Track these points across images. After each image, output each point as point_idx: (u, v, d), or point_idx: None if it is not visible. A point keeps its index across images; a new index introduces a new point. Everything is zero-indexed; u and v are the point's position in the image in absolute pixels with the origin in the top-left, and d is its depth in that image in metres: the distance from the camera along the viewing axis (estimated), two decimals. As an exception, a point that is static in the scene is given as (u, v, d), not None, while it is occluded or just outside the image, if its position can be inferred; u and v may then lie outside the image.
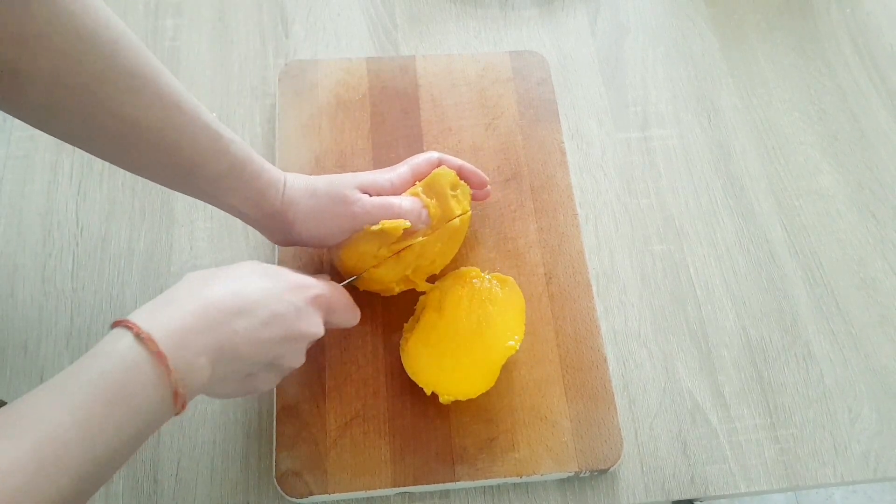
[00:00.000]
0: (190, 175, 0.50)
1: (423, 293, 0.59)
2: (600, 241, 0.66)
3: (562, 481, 0.56)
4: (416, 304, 0.59)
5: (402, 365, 0.56)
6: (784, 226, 0.68)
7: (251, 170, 0.52)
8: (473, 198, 0.62)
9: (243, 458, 0.55)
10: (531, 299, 0.60)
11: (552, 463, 0.55)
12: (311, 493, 0.53)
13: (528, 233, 0.63)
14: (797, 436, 0.59)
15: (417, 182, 0.58)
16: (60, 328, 0.59)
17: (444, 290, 0.58)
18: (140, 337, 0.39)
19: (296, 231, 0.54)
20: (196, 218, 0.64)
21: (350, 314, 0.53)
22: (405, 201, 0.56)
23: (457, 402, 0.54)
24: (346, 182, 0.55)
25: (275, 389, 0.56)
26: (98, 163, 0.65)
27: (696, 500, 0.58)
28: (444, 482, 0.54)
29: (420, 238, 0.56)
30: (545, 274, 0.62)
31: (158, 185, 0.60)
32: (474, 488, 0.56)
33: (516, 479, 0.55)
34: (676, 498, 0.56)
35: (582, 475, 0.55)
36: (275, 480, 0.53)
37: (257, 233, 0.63)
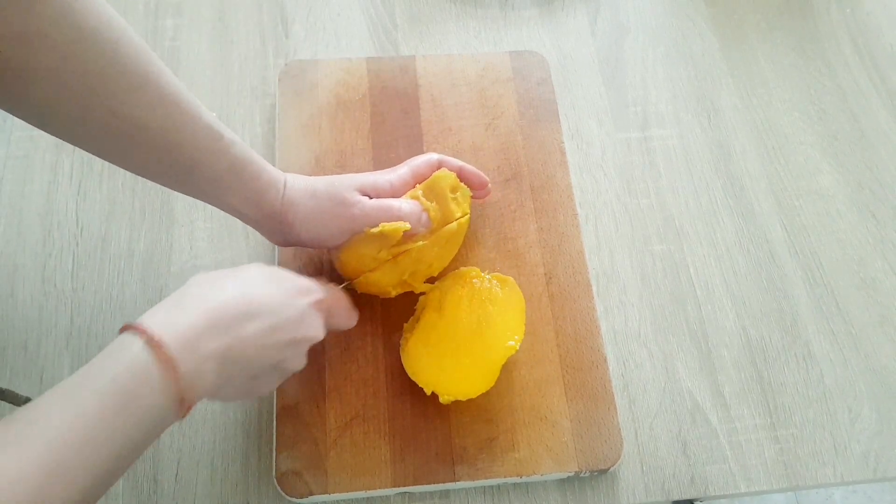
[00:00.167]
0: (190, 175, 0.50)
1: (423, 293, 0.59)
2: (600, 241, 0.66)
3: (562, 481, 0.56)
4: (415, 305, 0.59)
5: (402, 365, 0.56)
6: (784, 226, 0.68)
7: (251, 170, 0.52)
8: (474, 197, 0.62)
9: (243, 458, 0.55)
10: (531, 299, 0.60)
11: (552, 463, 0.55)
12: (311, 493, 0.53)
13: (528, 233, 0.63)
14: (797, 436, 0.59)
15: (417, 184, 0.58)
16: (60, 328, 0.59)
17: (444, 290, 0.58)
18: (151, 343, 0.39)
19: (295, 232, 0.54)
20: (196, 218, 0.64)
21: (348, 317, 0.54)
22: (405, 204, 0.56)
23: (457, 402, 0.54)
24: (346, 184, 0.55)
25: (275, 389, 0.56)
26: (98, 163, 0.65)
27: (696, 500, 0.58)
28: (444, 482, 0.54)
29: (420, 242, 0.56)
30: (545, 274, 0.62)
31: (158, 185, 0.60)
32: (474, 488, 0.56)
33: (516, 479, 0.55)
34: (676, 498, 0.56)
35: (582, 475, 0.55)
36: (275, 480, 0.53)
37: (257, 233, 0.63)
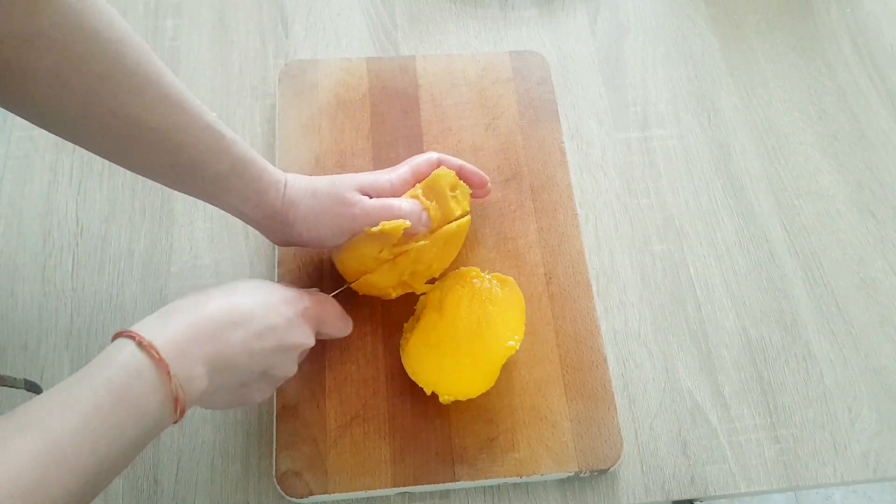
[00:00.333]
0: (192, 175, 0.50)
1: (423, 294, 0.59)
2: (600, 241, 0.66)
3: (562, 481, 0.56)
4: (416, 305, 0.59)
5: (402, 365, 0.56)
6: (784, 226, 0.68)
7: (252, 170, 0.52)
8: (473, 196, 0.62)
9: (243, 458, 0.55)
10: (531, 299, 0.60)
11: (552, 463, 0.55)
12: (311, 493, 0.53)
13: (528, 233, 0.63)
14: (797, 436, 0.59)
15: (417, 183, 0.58)
16: (60, 328, 0.59)
17: (444, 290, 0.58)
18: (142, 345, 0.40)
19: (296, 231, 0.54)
20: (196, 218, 0.64)
21: (341, 324, 0.54)
22: (405, 203, 0.56)
23: (457, 402, 0.54)
24: (347, 183, 0.55)
25: (267, 397, 0.56)
26: (98, 163, 0.65)
27: (696, 500, 0.58)
28: (444, 482, 0.54)
29: (421, 242, 0.56)
30: (545, 274, 0.62)
31: (158, 185, 0.60)
32: (474, 488, 0.56)
33: (516, 479, 0.55)
34: (676, 498, 0.56)
35: (582, 475, 0.55)
36: (275, 480, 0.53)
37: (257, 233, 0.63)
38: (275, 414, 0.55)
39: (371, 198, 0.56)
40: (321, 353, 0.57)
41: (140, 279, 0.61)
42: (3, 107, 0.46)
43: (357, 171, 0.59)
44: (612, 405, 0.57)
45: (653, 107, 0.73)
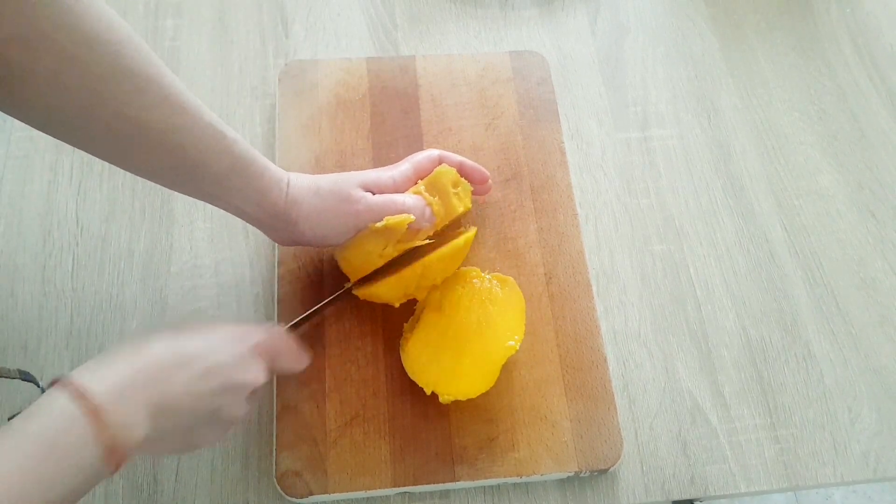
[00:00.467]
0: (193, 175, 0.50)
1: None
2: (600, 241, 0.66)
3: (562, 481, 0.56)
4: (416, 305, 0.59)
5: (402, 365, 0.56)
6: (784, 226, 0.68)
7: (254, 169, 0.52)
8: (474, 193, 0.62)
9: (243, 458, 0.55)
10: (531, 299, 0.60)
11: (552, 463, 0.55)
12: (311, 493, 0.53)
13: (528, 233, 0.63)
14: (797, 436, 0.59)
15: (419, 180, 0.58)
16: (60, 328, 0.59)
17: (444, 290, 0.58)
18: (76, 394, 0.38)
19: (299, 230, 0.54)
20: (196, 218, 0.64)
21: (296, 360, 0.52)
22: (409, 198, 0.56)
23: (457, 402, 0.54)
24: (350, 180, 0.55)
25: (275, 389, 0.56)
26: (98, 163, 0.65)
27: (696, 500, 0.58)
28: (444, 482, 0.54)
29: (425, 239, 0.56)
30: (545, 274, 0.62)
31: (158, 185, 0.60)
32: (474, 488, 0.56)
33: (516, 479, 0.55)
34: (676, 498, 0.56)
35: (582, 475, 0.55)
36: (275, 480, 0.53)
37: (258, 233, 0.63)
38: (275, 414, 0.55)
39: (374, 194, 0.56)
40: (321, 354, 0.57)
41: (140, 279, 0.61)
42: (2, 110, 0.46)
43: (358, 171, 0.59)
44: (612, 405, 0.57)
45: (653, 107, 0.73)
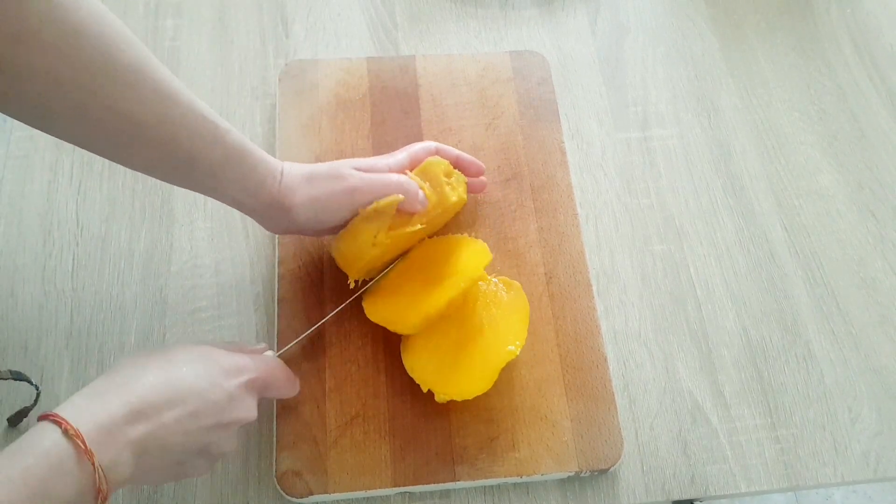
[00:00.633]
0: (188, 167, 0.50)
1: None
2: (600, 241, 0.66)
3: (562, 481, 0.56)
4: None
5: (402, 365, 0.56)
6: (784, 226, 0.68)
7: (248, 159, 0.51)
8: (471, 190, 0.62)
9: (243, 458, 0.55)
10: (531, 299, 0.60)
11: (552, 463, 0.55)
12: (311, 493, 0.53)
13: (529, 233, 0.63)
14: (797, 436, 0.59)
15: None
16: (60, 328, 0.59)
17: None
18: (68, 433, 0.38)
19: (293, 216, 0.54)
20: (196, 218, 0.64)
21: (288, 387, 0.53)
22: (401, 176, 0.56)
23: (457, 402, 0.54)
24: (344, 164, 0.56)
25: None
26: (98, 163, 0.65)
27: (696, 500, 0.58)
28: (444, 482, 0.54)
29: (418, 224, 0.56)
30: (545, 274, 0.62)
31: (159, 185, 0.60)
32: (474, 488, 0.55)
33: (516, 479, 0.55)
34: (677, 498, 0.56)
35: (582, 475, 0.55)
36: (275, 480, 0.53)
37: (257, 232, 0.63)
38: (275, 414, 0.55)
39: None
40: (321, 354, 0.57)
41: (140, 279, 0.61)
42: None
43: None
44: (613, 405, 0.57)
45: (653, 107, 0.73)
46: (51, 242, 0.62)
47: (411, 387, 0.55)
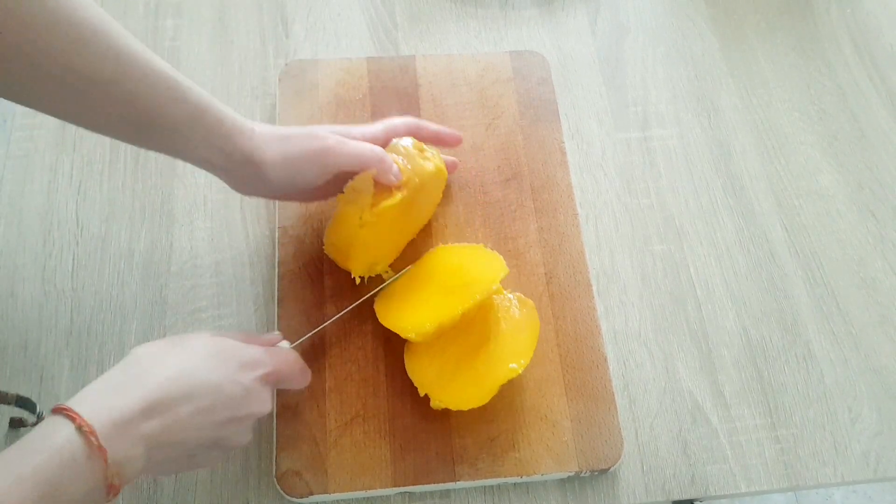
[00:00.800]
0: (150, 127, 0.49)
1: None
2: (600, 241, 0.66)
3: (562, 481, 0.56)
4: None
5: (402, 365, 0.56)
6: (784, 226, 0.68)
7: (212, 115, 0.51)
8: (448, 169, 0.63)
9: (243, 458, 0.55)
10: (531, 299, 0.60)
11: (552, 463, 0.55)
12: (311, 493, 0.53)
13: (529, 233, 0.63)
14: (797, 436, 0.59)
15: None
16: (60, 328, 0.59)
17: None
18: (81, 429, 0.38)
19: (264, 174, 0.53)
20: (196, 218, 0.64)
21: (301, 379, 0.52)
22: (369, 144, 0.56)
23: (457, 403, 0.54)
24: (319, 127, 0.56)
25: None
26: (98, 162, 0.65)
27: (696, 500, 0.58)
28: (444, 482, 0.54)
29: (398, 196, 0.55)
30: (545, 274, 0.62)
31: (158, 185, 0.60)
32: (474, 488, 0.55)
33: (516, 479, 0.55)
34: (677, 498, 0.56)
35: (582, 475, 0.55)
36: (275, 480, 0.53)
37: (257, 232, 0.63)
38: (275, 414, 0.55)
39: None
40: (321, 354, 0.57)
41: (140, 279, 0.61)
42: None
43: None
44: (613, 405, 0.57)
45: (653, 107, 0.73)
46: (51, 242, 0.62)
47: (411, 387, 0.55)
